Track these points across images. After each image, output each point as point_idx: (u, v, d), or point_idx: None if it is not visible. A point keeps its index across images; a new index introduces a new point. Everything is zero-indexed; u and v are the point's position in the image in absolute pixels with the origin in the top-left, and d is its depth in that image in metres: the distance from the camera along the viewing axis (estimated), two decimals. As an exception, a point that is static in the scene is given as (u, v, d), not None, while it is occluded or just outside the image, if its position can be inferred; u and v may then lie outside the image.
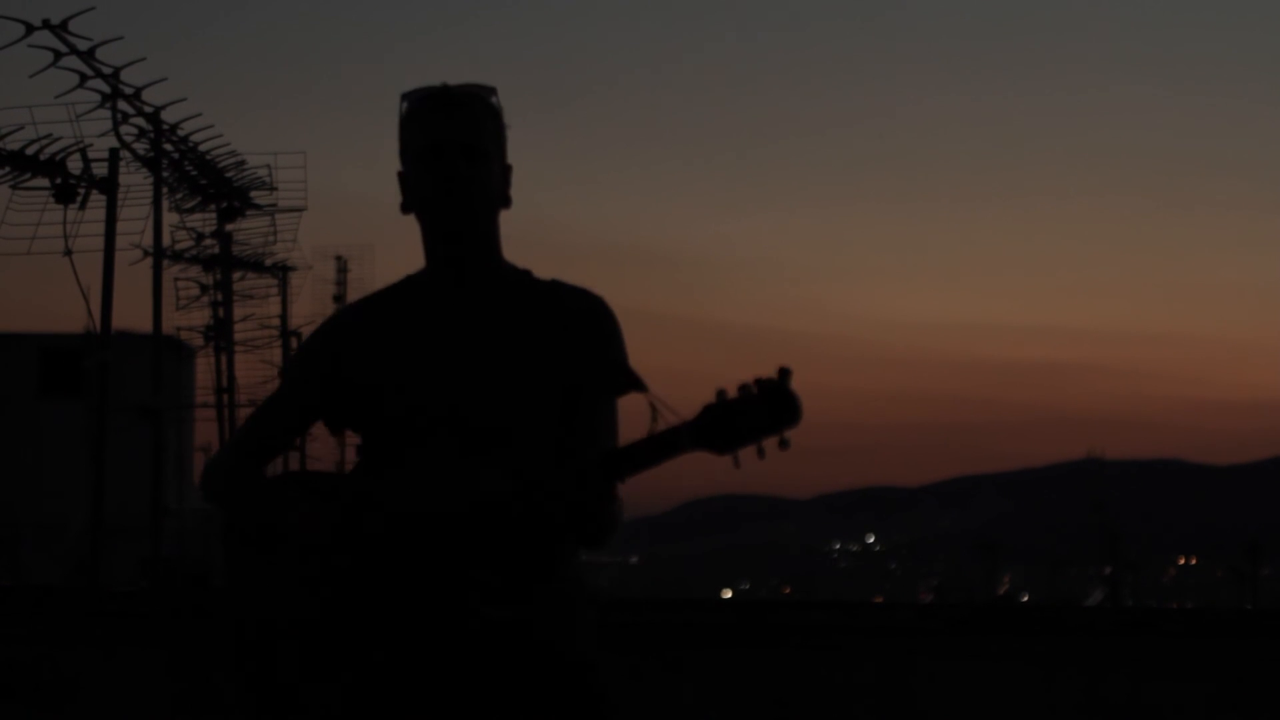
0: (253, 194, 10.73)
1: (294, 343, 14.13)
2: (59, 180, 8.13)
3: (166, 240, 9.68)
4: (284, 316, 13.53)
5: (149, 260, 9.05)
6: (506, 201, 2.76)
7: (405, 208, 2.75)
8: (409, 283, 2.79)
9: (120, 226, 8.20)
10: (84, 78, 8.01)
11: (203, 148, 9.44)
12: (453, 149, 2.68)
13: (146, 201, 8.88)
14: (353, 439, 2.88)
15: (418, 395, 2.67)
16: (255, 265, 12.04)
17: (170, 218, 10.23)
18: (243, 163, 10.13)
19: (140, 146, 8.80)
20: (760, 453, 2.43)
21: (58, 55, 7.79)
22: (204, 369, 12.15)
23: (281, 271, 12.67)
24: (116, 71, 8.11)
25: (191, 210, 10.60)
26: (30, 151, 8.14)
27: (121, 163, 8.28)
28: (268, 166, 10.52)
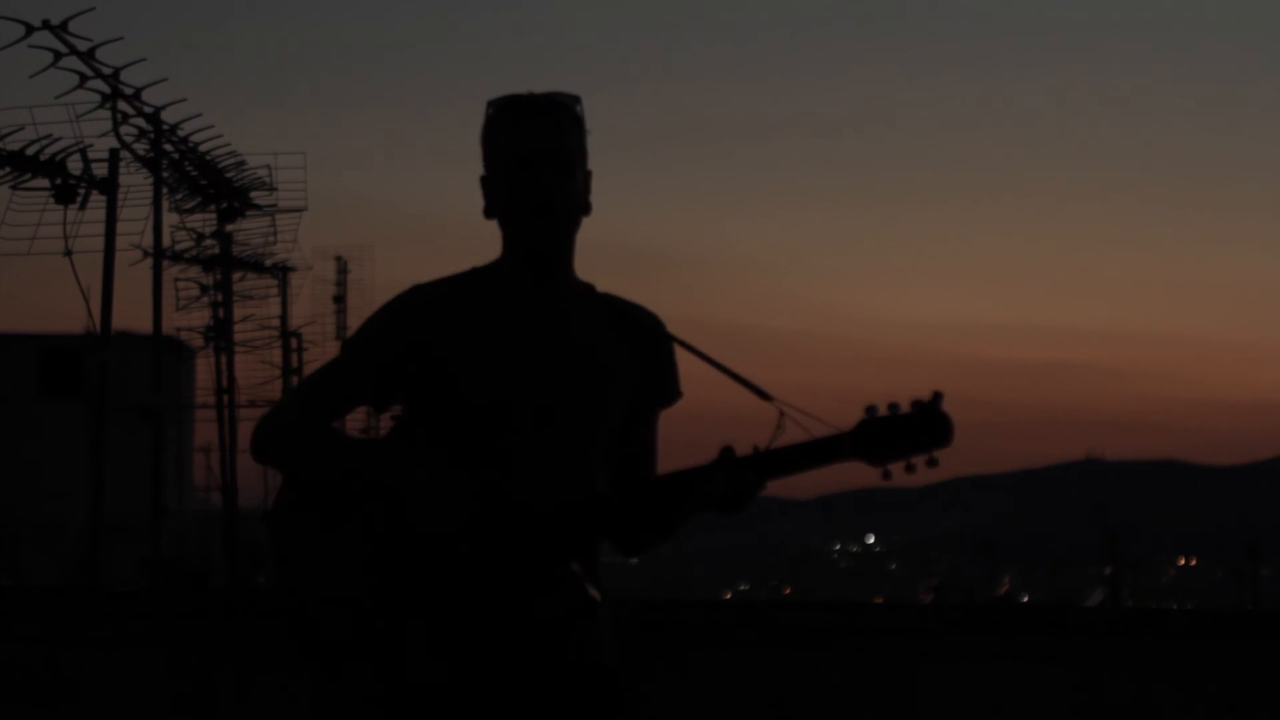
0: (253, 194, 10.74)
1: (294, 343, 14.15)
2: (59, 180, 8.13)
3: (166, 240, 9.69)
4: (284, 317, 13.54)
5: (149, 260, 9.06)
6: (588, 209, 2.81)
7: (489, 213, 2.78)
8: (482, 276, 2.80)
9: (120, 227, 8.22)
10: (84, 78, 8.02)
11: (203, 148, 9.45)
12: (541, 160, 2.71)
13: (146, 202, 8.89)
14: (385, 421, 2.88)
15: (507, 388, 2.70)
16: (255, 266, 12.05)
17: (170, 218, 10.25)
18: (243, 163, 10.15)
19: (140, 147, 8.81)
20: (910, 468, 2.58)
21: (58, 55, 7.80)
22: (204, 369, 12.16)
23: (281, 272, 12.68)
24: (116, 72, 8.12)
25: (191, 211, 10.61)
26: (30, 152, 8.15)
27: (121, 163, 8.29)
28: (268, 167, 10.53)
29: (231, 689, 4.53)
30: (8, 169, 8.20)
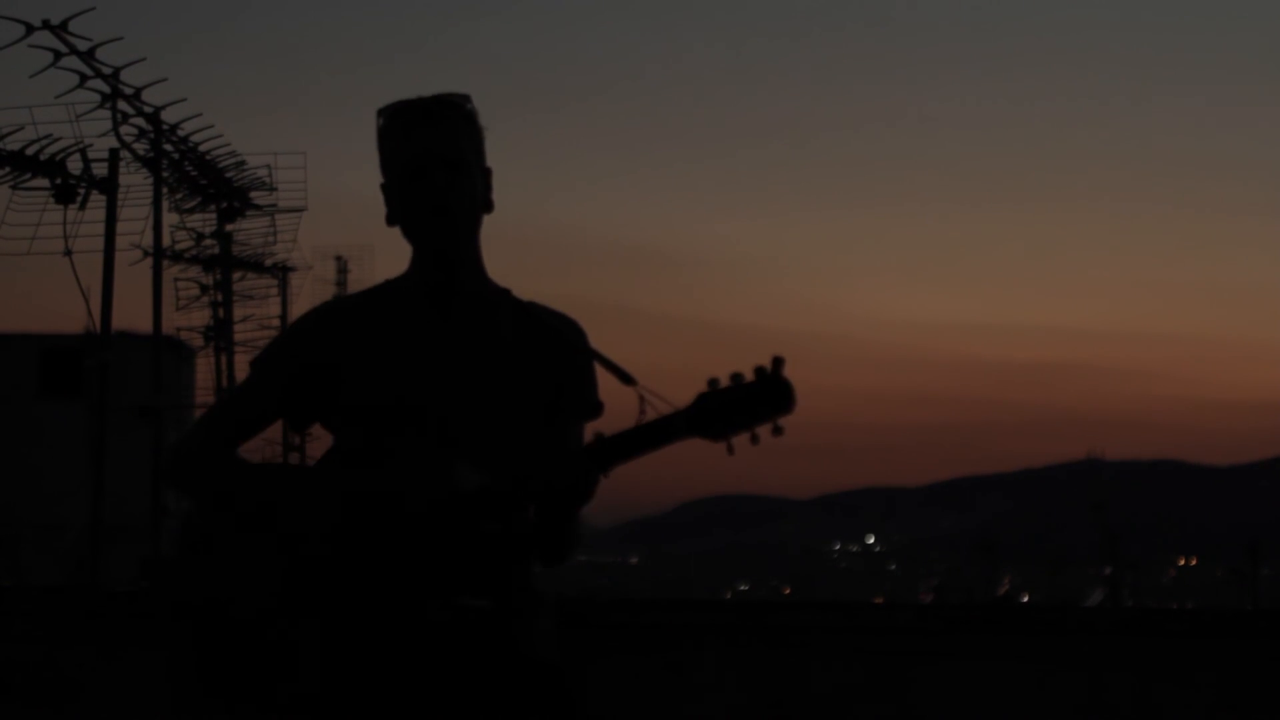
0: (253, 194, 10.74)
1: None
2: (59, 180, 8.13)
3: (166, 240, 9.70)
4: (284, 317, 13.53)
5: (149, 260, 9.06)
6: (489, 207, 2.80)
7: (390, 220, 2.78)
8: (390, 287, 2.81)
9: (120, 227, 8.22)
10: (84, 78, 8.02)
11: (203, 148, 9.45)
12: (434, 163, 2.71)
13: (146, 202, 8.90)
14: (324, 438, 2.89)
15: (398, 393, 2.69)
16: (255, 265, 12.05)
17: (170, 218, 10.26)
18: (243, 163, 10.15)
19: (140, 147, 8.81)
20: (754, 439, 2.48)
21: (58, 55, 7.80)
22: (204, 369, 12.17)
23: (281, 272, 12.68)
24: (116, 72, 8.12)
25: (191, 210, 10.62)
26: (30, 151, 8.15)
27: (121, 163, 8.29)
28: (268, 167, 10.53)
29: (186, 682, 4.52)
30: (8, 169, 8.21)
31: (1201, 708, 4.33)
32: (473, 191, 2.74)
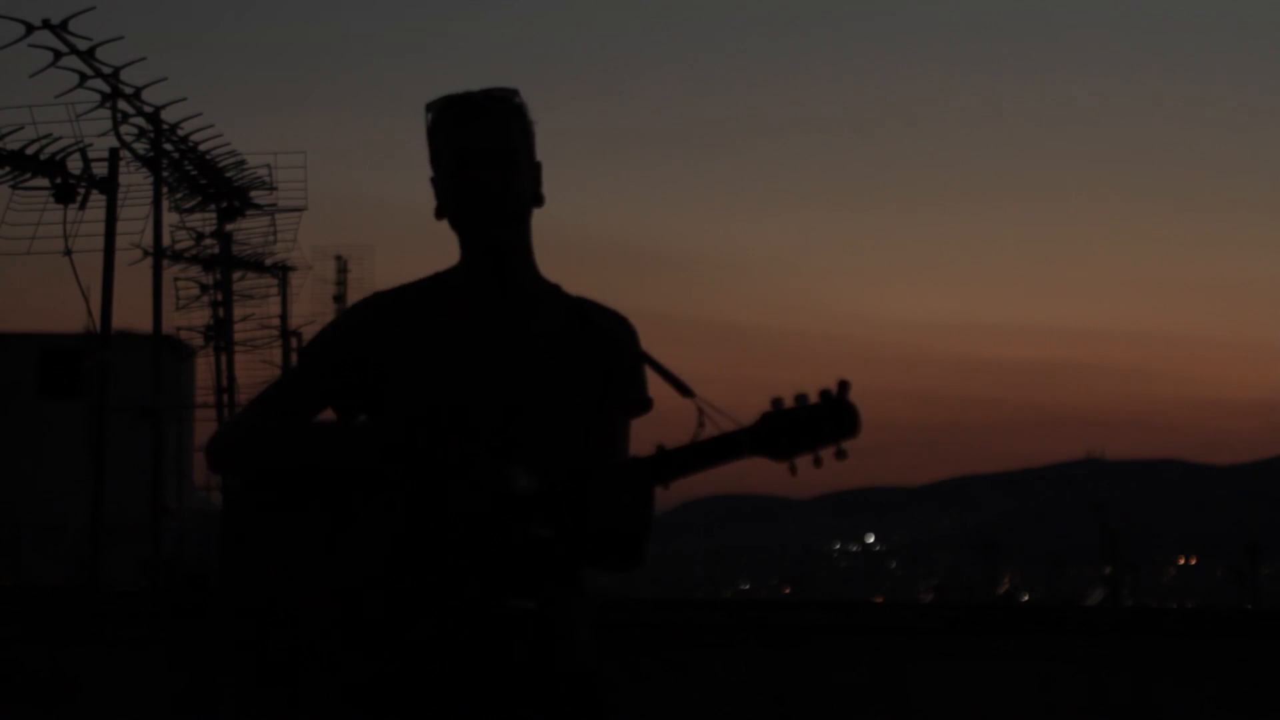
0: (253, 194, 10.73)
1: (294, 343, 14.13)
2: (59, 180, 8.12)
3: (166, 240, 9.68)
4: (284, 317, 13.53)
5: (149, 260, 9.05)
6: (539, 200, 2.81)
7: (439, 214, 2.78)
8: (440, 281, 2.80)
9: (120, 226, 8.19)
10: (84, 78, 8.01)
11: (203, 148, 9.44)
12: (481, 158, 2.70)
13: (146, 201, 8.88)
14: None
15: (447, 392, 2.69)
16: (255, 265, 12.04)
17: (170, 218, 10.23)
18: (243, 163, 10.13)
19: (140, 146, 8.79)
20: (817, 461, 2.50)
21: (58, 55, 7.79)
22: (204, 369, 12.15)
23: (281, 271, 12.66)
24: (116, 71, 8.11)
25: (191, 210, 10.60)
26: (30, 151, 8.14)
27: (121, 163, 8.27)
28: (268, 166, 10.51)
29: (231, 689, 4.53)
30: (8, 169, 8.19)
31: (1201, 708, 4.33)
32: (522, 186, 2.75)
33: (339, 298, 18.22)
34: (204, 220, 10.88)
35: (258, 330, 13.03)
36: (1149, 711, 4.33)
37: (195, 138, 9.24)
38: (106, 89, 8.16)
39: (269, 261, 12.16)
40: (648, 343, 2.83)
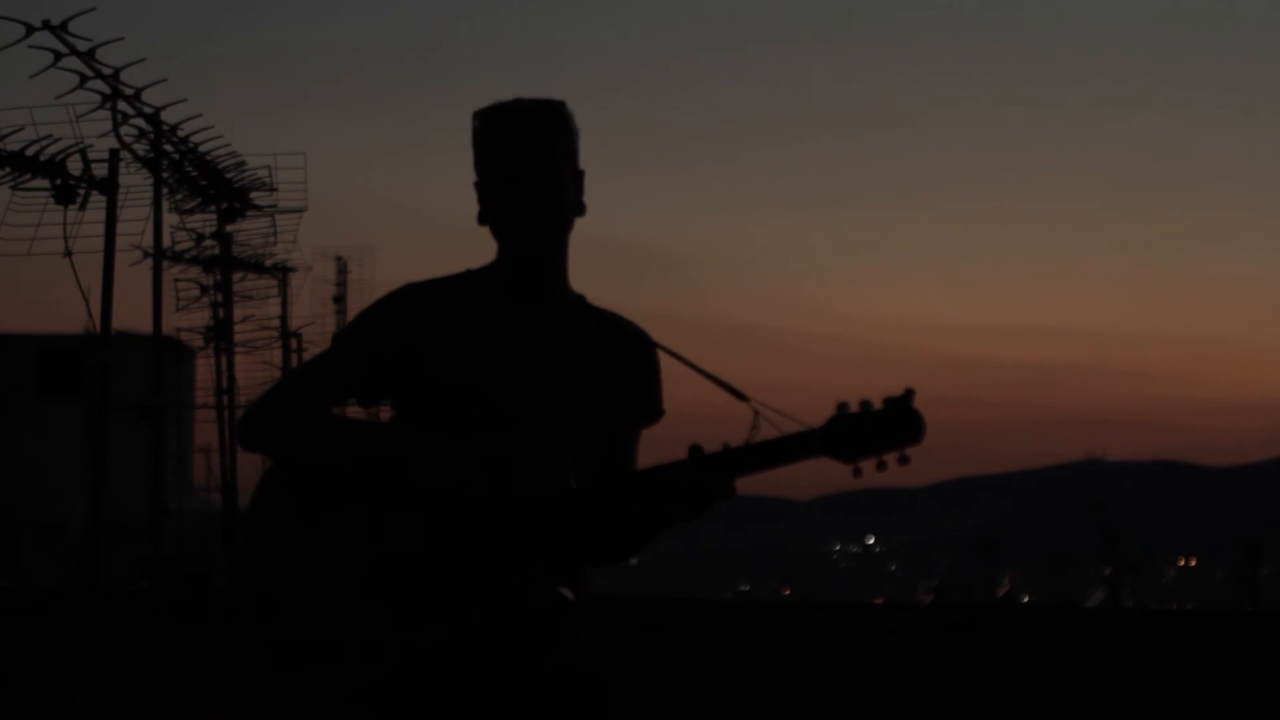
0: (253, 195, 10.72)
1: (294, 343, 14.15)
2: (59, 181, 8.12)
3: (166, 241, 9.67)
4: (284, 317, 13.54)
5: (149, 261, 9.05)
6: (581, 210, 2.84)
7: (481, 220, 2.81)
8: (475, 279, 2.81)
9: (120, 227, 8.20)
10: (84, 78, 8.01)
11: (203, 149, 9.43)
12: (527, 174, 2.73)
13: (146, 202, 8.88)
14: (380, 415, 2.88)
15: (481, 393, 2.71)
16: (255, 266, 12.04)
17: (170, 218, 10.22)
18: (243, 164, 10.13)
19: (140, 147, 8.79)
20: (881, 465, 2.58)
21: (58, 56, 7.79)
22: (204, 369, 12.15)
23: (281, 272, 12.67)
24: (116, 72, 8.11)
25: (191, 211, 10.59)
26: (30, 152, 8.14)
27: (121, 163, 8.28)
28: (268, 167, 10.51)
29: (231, 689, 4.53)
30: (8, 169, 8.19)
31: (1201, 708, 4.33)
32: (562, 200, 2.77)
33: (339, 299, 18.22)
34: (204, 221, 10.88)
35: (258, 331, 13.04)
36: (1149, 712, 4.34)
37: (195, 139, 9.24)
38: (106, 90, 8.16)
39: (269, 262, 12.17)
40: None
